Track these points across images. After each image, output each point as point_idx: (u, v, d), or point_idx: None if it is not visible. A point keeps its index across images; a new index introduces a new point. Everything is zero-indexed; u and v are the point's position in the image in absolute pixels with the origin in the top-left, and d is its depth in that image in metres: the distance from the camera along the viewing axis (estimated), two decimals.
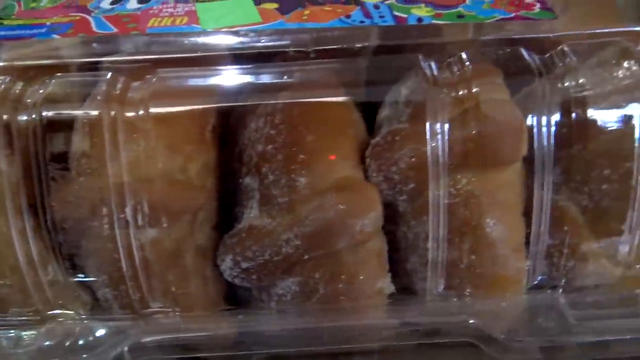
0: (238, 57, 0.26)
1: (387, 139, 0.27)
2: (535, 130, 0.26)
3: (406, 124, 0.27)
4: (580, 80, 0.26)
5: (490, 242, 0.26)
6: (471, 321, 0.25)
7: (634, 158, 0.26)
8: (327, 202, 0.26)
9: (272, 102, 0.27)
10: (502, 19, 0.26)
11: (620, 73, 0.26)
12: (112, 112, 0.25)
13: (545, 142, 0.25)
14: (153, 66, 0.26)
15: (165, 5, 0.29)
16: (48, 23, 0.28)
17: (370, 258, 0.27)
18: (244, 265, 0.27)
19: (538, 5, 0.27)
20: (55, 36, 0.27)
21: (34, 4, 0.30)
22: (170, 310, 0.27)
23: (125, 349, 0.25)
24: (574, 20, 0.31)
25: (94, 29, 0.27)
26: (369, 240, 0.26)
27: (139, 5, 0.29)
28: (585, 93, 0.26)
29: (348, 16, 0.27)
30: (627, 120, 0.26)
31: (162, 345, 0.26)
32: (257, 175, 0.27)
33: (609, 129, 0.26)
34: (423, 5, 0.27)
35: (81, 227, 0.26)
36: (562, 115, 0.26)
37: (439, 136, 0.25)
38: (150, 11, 0.29)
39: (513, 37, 0.25)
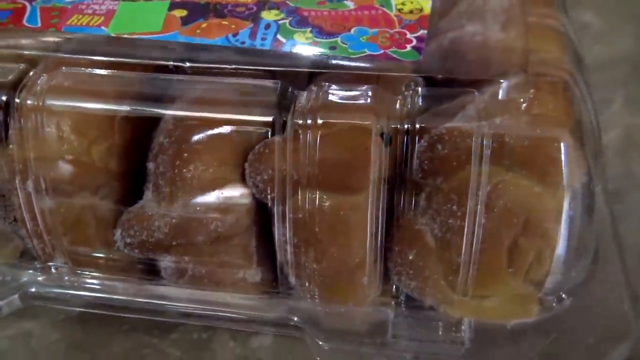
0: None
1: (260, 149, 0.30)
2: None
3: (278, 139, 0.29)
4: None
5: (332, 257, 0.29)
6: (295, 319, 0.29)
7: (468, 199, 0.27)
8: (190, 200, 0.29)
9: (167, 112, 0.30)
10: (368, 55, 0.28)
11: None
12: (17, 100, 0.29)
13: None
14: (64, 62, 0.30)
15: (94, 1, 0.32)
16: None
17: (233, 251, 0.31)
18: (127, 240, 0.31)
19: (414, 42, 0.28)
20: None
21: None
22: (66, 266, 0.32)
23: (16, 295, 0.30)
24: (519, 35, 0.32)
25: (25, 21, 0.31)
26: (230, 236, 0.30)
27: None
28: (442, 131, 0.28)
29: (236, 34, 0.29)
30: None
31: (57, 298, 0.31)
32: (154, 163, 0.31)
33: (461, 168, 0.28)
34: (309, 30, 0.30)
35: (7, 187, 0.32)
36: (426, 149, 0.28)
37: (288, 157, 0.28)
38: (80, 6, 0.32)
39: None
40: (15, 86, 0.30)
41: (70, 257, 0.32)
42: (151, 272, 0.33)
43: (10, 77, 0.30)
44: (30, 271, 0.32)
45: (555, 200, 0.27)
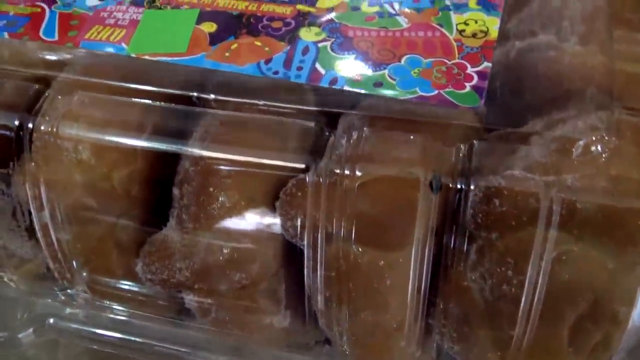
0: None
1: (292, 190, 0.26)
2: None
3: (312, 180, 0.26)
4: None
5: (366, 317, 0.26)
6: None
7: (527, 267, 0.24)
8: (214, 245, 0.27)
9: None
10: (419, 96, 0.24)
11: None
12: (30, 125, 0.27)
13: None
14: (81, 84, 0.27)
15: (117, 8, 0.29)
16: (11, 13, 0.30)
17: (259, 297, 0.28)
18: (149, 276, 0.29)
19: (475, 80, 0.24)
20: (5, 34, 0.28)
21: None
22: (86, 295, 0.30)
23: (31, 329, 0.29)
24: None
25: (41, 32, 0.28)
26: (256, 283, 0.27)
27: (97, 3, 0.30)
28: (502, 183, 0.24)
29: (268, 61, 0.26)
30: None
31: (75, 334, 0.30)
32: (179, 190, 0.28)
33: (521, 228, 0.24)
34: (353, 57, 0.25)
35: (25, 209, 0.30)
36: (482, 200, 0.24)
37: (323, 206, 0.25)
38: (102, 13, 0.29)
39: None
40: (29, 109, 0.27)
41: (90, 287, 0.30)
42: (176, 308, 0.31)
43: (23, 99, 0.27)
44: (49, 300, 0.30)
45: (631, 279, 0.23)
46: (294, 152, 0.25)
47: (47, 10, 0.29)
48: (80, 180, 0.28)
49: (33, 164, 0.27)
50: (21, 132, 0.27)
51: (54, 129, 0.27)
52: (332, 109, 0.24)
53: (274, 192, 0.27)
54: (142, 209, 0.29)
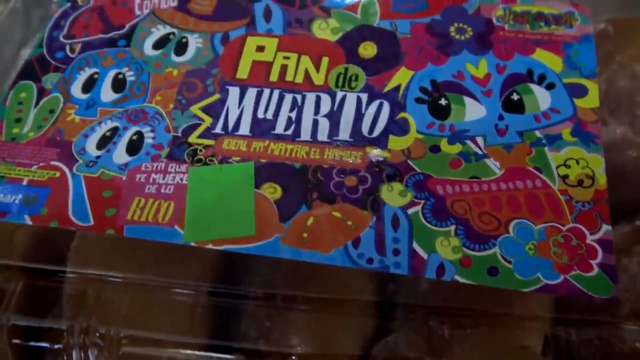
0: None
1: None
2: None
3: None
4: None
5: None
6: None
7: None
8: None
9: None
10: (545, 286, 0.21)
11: None
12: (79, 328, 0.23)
13: None
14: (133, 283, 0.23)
15: (154, 166, 0.25)
16: (25, 182, 0.25)
17: None
18: None
19: (600, 255, 0.21)
20: (27, 219, 0.24)
21: (16, 130, 0.27)
22: None
23: None
24: None
25: (71, 214, 0.24)
26: None
27: (127, 159, 0.25)
28: None
29: (357, 242, 0.22)
30: None
31: None
32: None
33: None
34: (453, 229, 0.22)
35: None
36: None
37: None
38: (138, 175, 0.25)
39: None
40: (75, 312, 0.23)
41: None
42: None
43: (70, 300, 0.23)
44: None
45: None
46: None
47: (69, 174, 0.25)
48: None
49: None
50: (72, 340, 0.23)
51: (115, 334, 0.23)
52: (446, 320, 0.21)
53: None
54: None
